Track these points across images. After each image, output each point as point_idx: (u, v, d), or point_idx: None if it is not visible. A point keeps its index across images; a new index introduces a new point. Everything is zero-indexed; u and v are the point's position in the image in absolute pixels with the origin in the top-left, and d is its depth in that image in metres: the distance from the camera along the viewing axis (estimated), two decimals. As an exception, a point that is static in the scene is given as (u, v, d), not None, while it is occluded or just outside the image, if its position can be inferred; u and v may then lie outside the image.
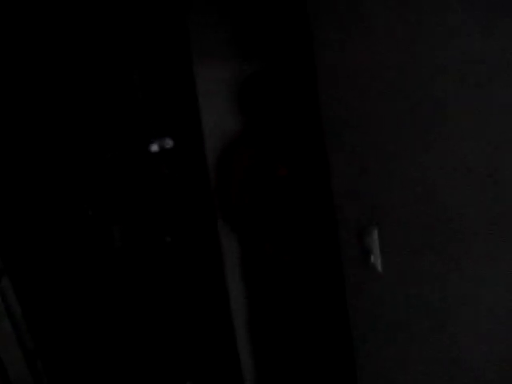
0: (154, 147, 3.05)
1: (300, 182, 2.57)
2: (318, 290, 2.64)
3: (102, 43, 3.14)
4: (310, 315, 2.66)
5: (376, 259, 1.41)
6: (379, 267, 1.40)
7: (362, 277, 1.49)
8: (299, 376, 2.79)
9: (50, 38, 3.04)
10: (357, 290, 1.55)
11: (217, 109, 2.63)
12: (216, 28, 2.57)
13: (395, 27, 1.12)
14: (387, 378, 1.49)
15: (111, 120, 3.25)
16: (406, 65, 1.11)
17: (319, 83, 1.53)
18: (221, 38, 2.59)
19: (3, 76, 2.97)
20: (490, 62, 0.89)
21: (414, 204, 1.20)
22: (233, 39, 2.62)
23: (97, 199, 3.35)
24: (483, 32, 0.89)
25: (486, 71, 0.90)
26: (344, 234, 1.58)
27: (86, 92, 3.21)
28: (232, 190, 2.49)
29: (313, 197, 2.56)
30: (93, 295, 3.18)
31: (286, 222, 2.50)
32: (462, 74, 0.95)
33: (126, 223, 3.37)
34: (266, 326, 2.67)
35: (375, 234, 1.39)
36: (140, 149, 3.19)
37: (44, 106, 3.13)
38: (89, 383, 2.85)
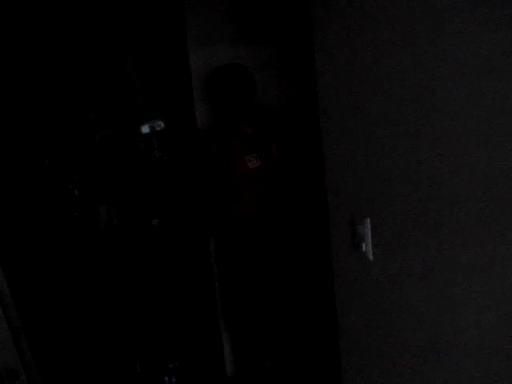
0: (145, 129, 3.03)
1: (291, 169, 2.58)
2: (304, 277, 2.67)
3: (95, 23, 3.10)
4: (296, 299, 2.68)
5: (368, 248, 1.42)
6: (370, 256, 1.42)
7: (353, 265, 1.50)
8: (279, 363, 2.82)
9: (43, 19, 2.99)
10: (346, 277, 1.56)
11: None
12: (213, 8, 2.56)
13: (396, 19, 1.12)
14: (373, 368, 1.51)
15: (102, 100, 3.22)
16: (405, 58, 1.11)
17: (317, 72, 1.53)
18: (217, 19, 2.58)
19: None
20: (492, 58, 0.89)
21: (406, 194, 1.21)
22: (229, 21, 2.61)
23: (84, 179, 3.33)
24: (487, 30, 0.89)
25: (485, 67, 0.90)
26: (336, 223, 1.59)
27: (77, 71, 3.17)
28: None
29: (305, 184, 2.57)
30: (78, 275, 3.17)
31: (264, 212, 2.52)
32: (459, 69, 0.96)
33: (113, 204, 3.36)
34: (250, 310, 2.68)
35: (368, 223, 1.40)
36: (131, 130, 3.17)
37: (35, 86, 3.09)
38: (74, 362, 2.85)
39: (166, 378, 2.82)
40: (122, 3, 3.09)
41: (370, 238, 1.41)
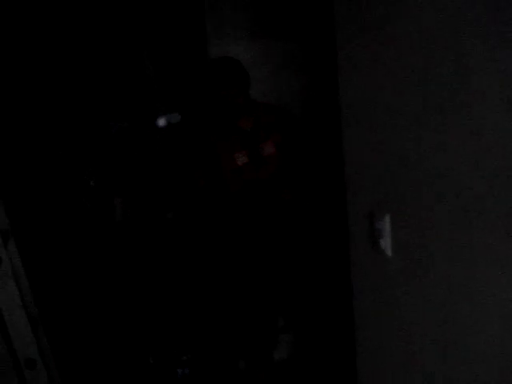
0: (162, 121, 3.03)
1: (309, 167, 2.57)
2: (322, 272, 2.67)
3: (113, 16, 3.11)
4: (313, 294, 2.69)
5: (386, 244, 1.41)
6: (389, 253, 1.41)
7: (371, 261, 1.49)
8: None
9: (56, 12, 3.01)
10: (363, 273, 1.56)
11: None
12: (232, 3, 2.55)
13: (427, 10, 1.11)
14: (390, 367, 1.51)
15: (119, 92, 3.23)
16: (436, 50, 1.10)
17: (339, 67, 1.52)
18: (236, 14, 2.58)
19: (20, 45, 2.94)
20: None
21: (428, 190, 1.20)
22: (248, 16, 2.60)
23: (100, 171, 3.35)
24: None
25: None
26: (353, 217, 1.58)
27: (95, 64, 3.18)
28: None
29: (324, 176, 2.56)
30: (93, 265, 3.19)
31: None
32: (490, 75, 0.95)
33: (129, 196, 3.38)
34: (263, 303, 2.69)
35: (387, 219, 1.39)
36: (147, 123, 3.17)
37: (52, 78, 3.11)
38: (88, 352, 2.87)
39: (179, 370, 2.83)
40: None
41: (389, 234, 1.40)
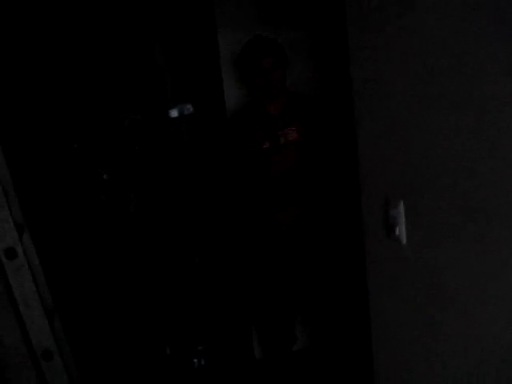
0: (174, 113, 3.03)
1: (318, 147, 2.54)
2: (336, 260, 2.65)
3: (124, 8, 3.10)
4: (328, 283, 2.67)
5: (401, 232, 1.39)
6: (404, 240, 1.39)
7: (386, 250, 1.48)
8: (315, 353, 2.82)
9: (66, 9, 3.01)
10: (378, 261, 1.54)
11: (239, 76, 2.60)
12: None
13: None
14: (405, 356, 1.50)
15: (132, 84, 3.23)
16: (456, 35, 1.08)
17: (351, 54, 1.50)
18: (246, 3, 2.56)
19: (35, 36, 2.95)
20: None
21: (443, 177, 1.18)
22: (258, 5, 2.58)
23: (113, 164, 3.36)
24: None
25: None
26: (367, 205, 1.57)
27: (107, 57, 3.18)
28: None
29: (337, 164, 2.54)
30: (107, 256, 3.21)
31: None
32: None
33: (142, 190, 3.38)
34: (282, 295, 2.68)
35: (401, 207, 1.37)
36: (159, 114, 3.17)
37: (65, 71, 3.11)
38: (105, 344, 2.89)
39: (195, 360, 2.85)
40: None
41: (403, 221, 1.38)
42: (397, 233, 1.40)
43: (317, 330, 2.87)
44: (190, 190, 3.27)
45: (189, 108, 3.00)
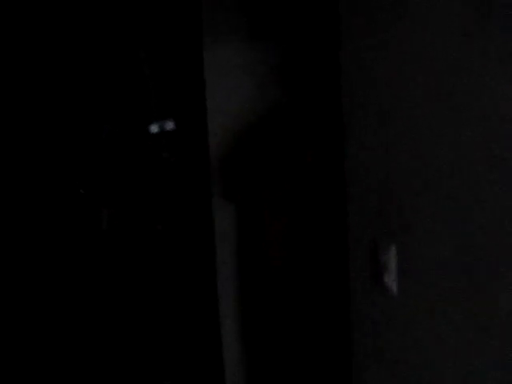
0: (154, 128, 2.88)
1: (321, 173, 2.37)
2: (320, 298, 2.46)
3: (109, 16, 2.98)
4: (309, 324, 2.47)
5: (391, 279, 1.23)
6: (394, 289, 1.23)
7: (373, 297, 1.31)
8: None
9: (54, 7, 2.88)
10: (364, 310, 1.37)
11: (225, 91, 2.48)
12: (230, 6, 2.42)
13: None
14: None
15: (111, 95, 3.08)
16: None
17: (342, 65, 1.34)
18: (234, 17, 2.44)
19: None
20: None
21: (443, 219, 1.02)
22: (248, 18, 2.46)
23: (89, 178, 3.20)
24: None
25: None
26: (355, 246, 1.40)
27: (86, 64, 3.04)
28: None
29: (327, 195, 2.36)
30: (75, 275, 3.03)
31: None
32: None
33: (117, 205, 3.22)
34: (259, 328, 2.50)
35: (393, 251, 1.21)
36: (139, 129, 3.03)
37: (40, 77, 2.97)
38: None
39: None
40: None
41: (395, 268, 1.22)
42: (386, 281, 1.24)
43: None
44: (166, 211, 3.11)
45: (170, 124, 2.86)
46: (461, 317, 1.01)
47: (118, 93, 3.11)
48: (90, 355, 2.90)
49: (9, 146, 2.88)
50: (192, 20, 2.53)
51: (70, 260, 3.02)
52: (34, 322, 2.81)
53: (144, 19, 2.98)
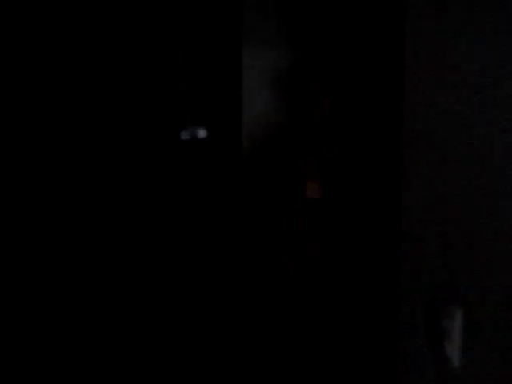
0: (185, 135, 2.73)
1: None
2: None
3: (149, 20, 2.86)
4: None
5: (454, 350, 0.98)
6: (456, 361, 0.98)
7: (428, 370, 1.06)
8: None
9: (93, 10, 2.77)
10: (413, 379, 1.13)
11: (259, 101, 2.33)
12: (269, 17, 2.26)
13: None
14: None
15: (150, 94, 2.96)
16: None
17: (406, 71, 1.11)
18: (273, 27, 2.28)
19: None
20: None
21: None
22: (286, 28, 2.30)
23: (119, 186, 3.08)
24: None
25: None
26: (407, 306, 1.15)
27: (125, 71, 2.94)
28: None
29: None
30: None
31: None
32: None
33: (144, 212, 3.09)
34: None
35: (458, 316, 0.97)
36: (170, 136, 2.90)
37: (84, 80, 2.87)
38: None
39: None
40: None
41: (459, 336, 0.97)
42: (448, 351, 0.99)
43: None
44: (199, 221, 2.96)
45: (202, 132, 2.69)
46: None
47: (153, 99, 2.99)
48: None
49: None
50: (232, 27, 2.40)
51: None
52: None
53: (186, 25, 2.87)
